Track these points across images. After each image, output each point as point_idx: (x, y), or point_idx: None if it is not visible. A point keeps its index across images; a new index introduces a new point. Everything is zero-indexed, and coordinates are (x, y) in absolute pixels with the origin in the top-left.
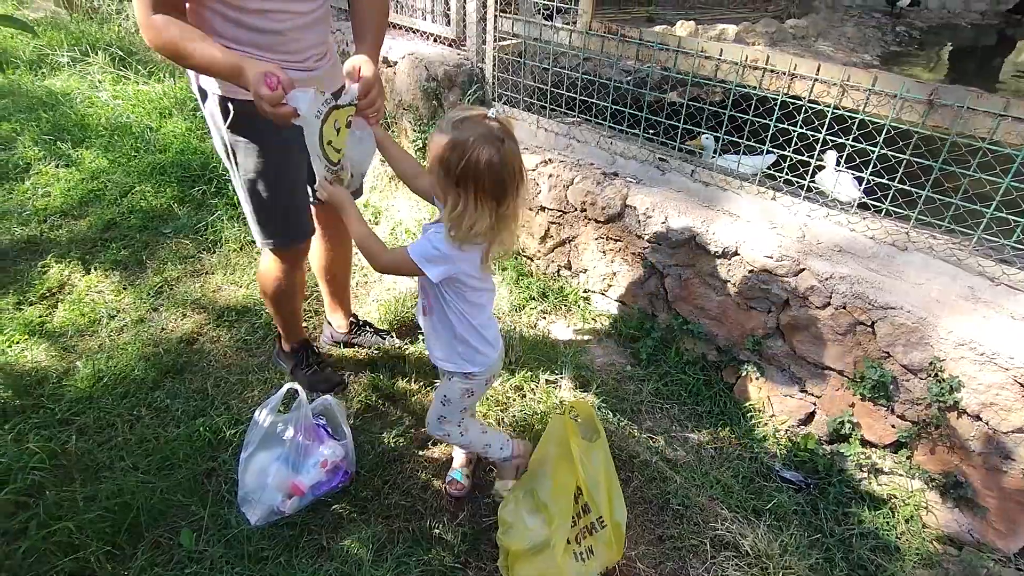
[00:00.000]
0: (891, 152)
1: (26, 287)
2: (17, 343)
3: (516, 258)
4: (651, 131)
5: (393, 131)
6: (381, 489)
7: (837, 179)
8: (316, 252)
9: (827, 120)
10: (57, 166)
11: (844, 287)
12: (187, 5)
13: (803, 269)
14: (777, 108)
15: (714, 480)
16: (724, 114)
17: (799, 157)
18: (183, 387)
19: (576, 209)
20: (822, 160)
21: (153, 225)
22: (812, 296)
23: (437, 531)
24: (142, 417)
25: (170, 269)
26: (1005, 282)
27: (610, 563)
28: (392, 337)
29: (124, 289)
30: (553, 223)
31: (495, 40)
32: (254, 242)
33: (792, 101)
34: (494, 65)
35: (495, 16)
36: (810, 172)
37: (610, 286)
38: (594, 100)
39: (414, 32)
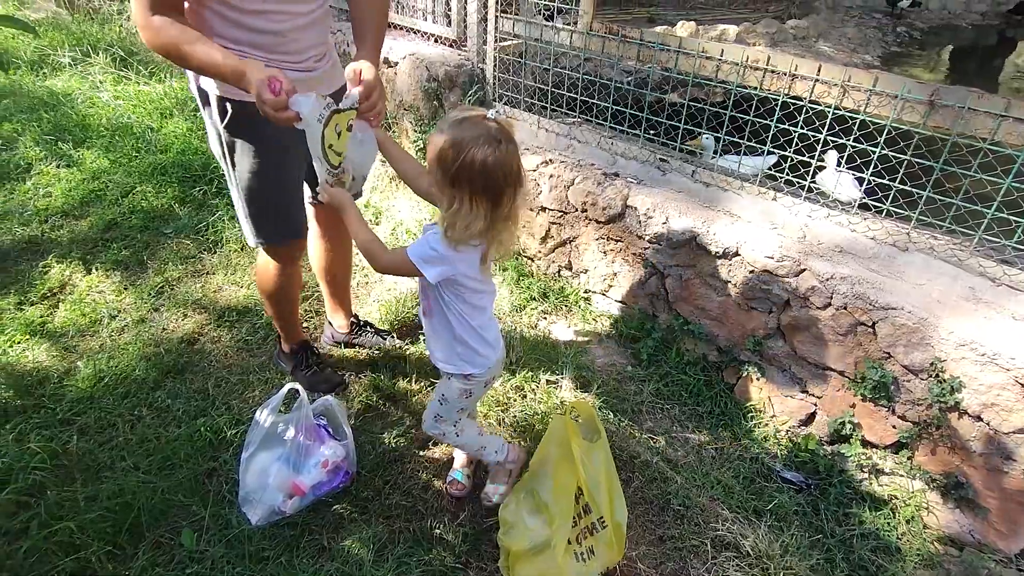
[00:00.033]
0: (892, 153)
1: (27, 287)
2: (18, 343)
3: (517, 258)
4: (652, 132)
5: (394, 131)
6: (382, 489)
7: (838, 179)
8: (316, 253)
9: (828, 121)
10: (58, 166)
11: (845, 287)
12: (185, 5)
13: (804, 269)
14: (778, 109)
15: (715, 480)
16: (725, 115)
17: (800, 158)
18: (184, 387)
19: (577, 209)
20: (823, 160)
21: (154, 225)
22: (813, 296)
23: (438, 531)
24: (143, 417)
25: (171, 269)
26: (1006, 283)
27: (611, 563)
28: (393, 337)
29: (125, 289)
30: (554, 223)
31: (496, 41)
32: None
33: (793, 102)
34: (495, 66)
35: (496, 17)
36: (811, 172)
37: (611, 286)
38: (595, 101)
39: (415, 33)
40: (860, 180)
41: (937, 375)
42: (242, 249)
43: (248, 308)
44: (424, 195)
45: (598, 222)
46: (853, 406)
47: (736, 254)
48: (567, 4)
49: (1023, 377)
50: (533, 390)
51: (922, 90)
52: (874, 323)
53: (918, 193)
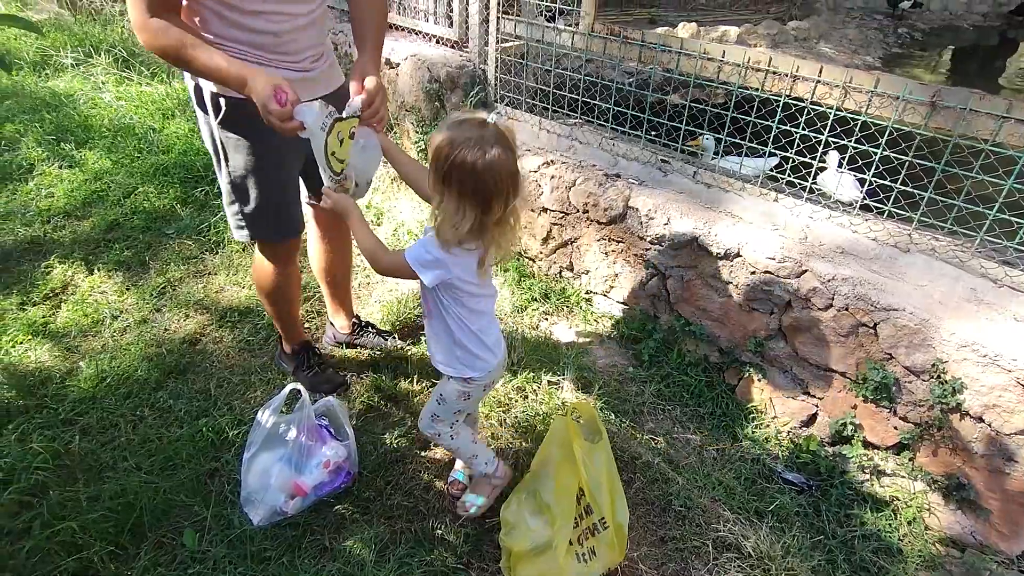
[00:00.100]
0: (893, 154)
1: (30, 287)
2: (21, 343)
3: (518, 259)
4: (653, 133)
5: (396, 132)
6: (383, 490)
7: (839, 180)
8: (316, 254)
9: (829, 122)
10: (60, 167)
11: (846, 289)
12: (184, 4)
13: (805, 271)
14: (779, 110)
15: (716, 481)
16: (727, 116)
17: (801, 159)
18: (186, 387)
19: (578, 210)
20: (824, 161)
21: (156, 226)
22: (814, 298)
23: (439, 532)
24: (145, 417)
25: (173, 270)
26: (1008, 284)
27: (612, 564)
28: (394, 338)
29: (127, 290)
30: (555, 224)
31: (497, 42)
32: (249, 240)
33: (794, 103)
34: (496, 67)
35: (497, 18)
36: (812, 173)
37: (612, 287)
38: (596, 102)
39: (416, 34)
40: (861, 181)
41: (939, 376)
42: (243, 250)
43: (250, 309)
44: (426, 198)
45: (599, 223)
46: (854, 407)
47: (737, 255)
48: (568, 5)
49: None
50: (535, 391)
51: (923, 91)
52: (875, 324)
53: (920, 194)
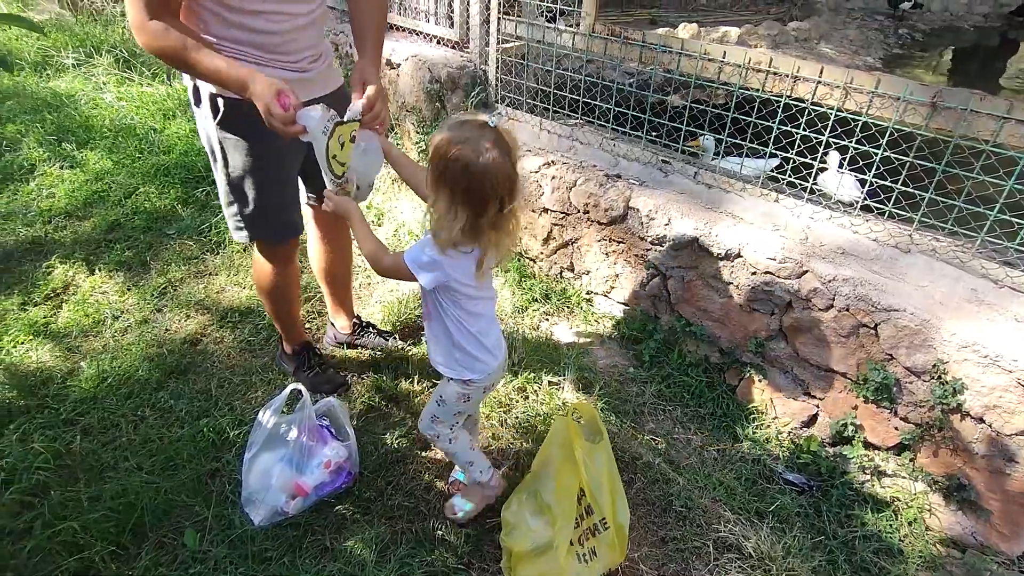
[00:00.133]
0: (894, 154)
1: (31, 288)
2: (22, 343)
3: (519, 260)
4: (654, 133)
5: (396, 133)
6: (384, 490)
7: (840, 181)
8: (316, 254)
9: (830, 122)
10: (62, 167)
11: (847, 289)
12: (182, 5)
13: (806, 271)
14: (780, 110)
15: (717, 482)
16: (727, 116)
17: (802, 159)
18: (187, 388)
19: (579, 211)
20: (824, 162)
21: (157, 226)
22: (815, 298)
23: (440, 532)
24: (146, 417)
25: (174, 270)
26: (1009, 284)
27: (613, 565)
28: (395, 338)
29: (128, 290)
30: (556, 225)
31: (498, 42)
32: (248, 242)
33: (795, 103)
34: (497, 67)
35: (498, 18)
36: (813, 174)
37: (613, 288)
38: (597, 102)
39: (417, 34)
40: (862, 182)
41: (939, 377)
42: (244, 250)
43: (251, 309)
44: (426, 199)
45: (600, 223)
46: (855, 408)
47: (738, 256)
48: (569, 6)
49: None
50: (535, 391)
51: (924, 92)
52: (876, 325)
53: (920, 195)
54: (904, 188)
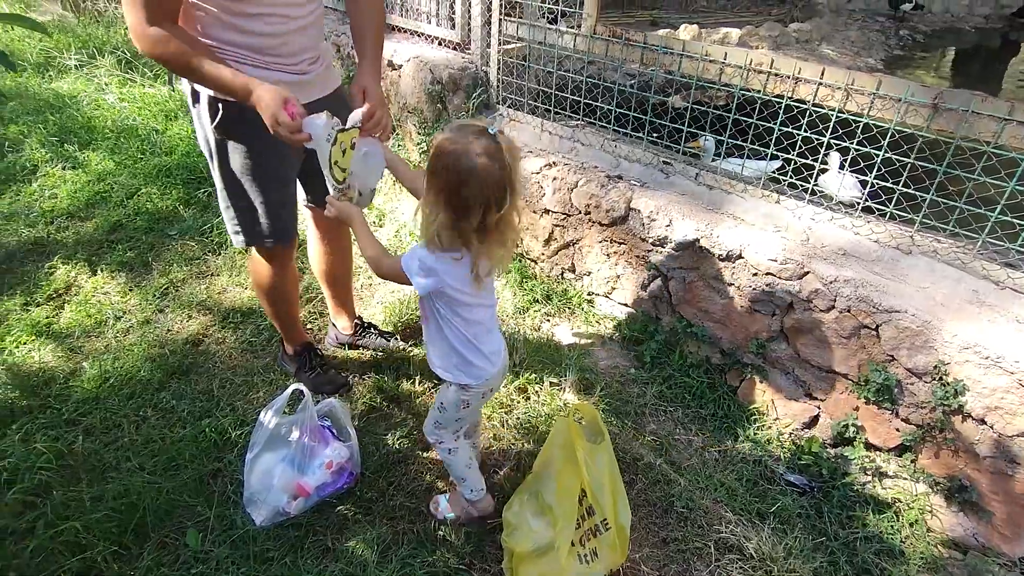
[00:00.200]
0: (895, 156)
1: (33, 288)
2: (24, 344)
3: (520, 261)
4: (655, 134)
5: (398, 134)
6: (386, 490)
7: (841, 182)
8: (316, 256)
9: (831, 124)
10: (64, 168)
11: (848, 290)
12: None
13: (807, 272)
14: (781, 112)
15: (718, 483)
16: (728, 118)
17: (803, 161)
18: (189, 388)
19: (580, 212)
20: (825, 163)
21: (159, 227)
22: (816, 299)
23: (441, 532)
24: (148, 418)
25: (176, 271)
26: (1010, 285)
27: (614, 565)
28: (396, 339)
29: (130, 290)
30: (557, 226)
31: (499, 44)
32: (245, 246)
33: (796, 105)
34: (498, 68)
35: (499, 20)
36: (815, 174)
37: (614, 289)
38: (598, 103)
39: (419, 35)
40: (863, 183)
41: (941, 378)
42: (245, 251)
43: (252, 309)
44: None
45: (601, 224)
46: (856, 409)
47: (739, 257)
48: (570, 7)
49: None
50: (536, 392)
51: (925, 93)
52: (877, 326)
53: (922, 196)
54: (905, 189)
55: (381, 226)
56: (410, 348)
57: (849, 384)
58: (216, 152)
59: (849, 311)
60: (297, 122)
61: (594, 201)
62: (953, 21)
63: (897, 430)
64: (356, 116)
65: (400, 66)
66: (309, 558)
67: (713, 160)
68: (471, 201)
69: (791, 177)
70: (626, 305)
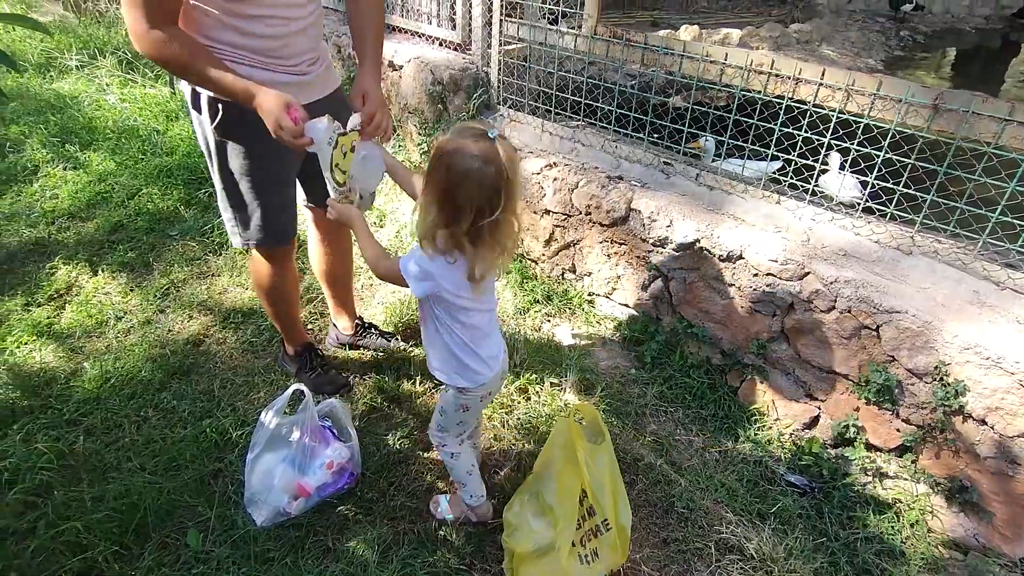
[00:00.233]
0: (896, 156)
1: (34, 288)
2: (25, 344)
3: (521, 261)
4: (656, 135)
5: (399, 135)
6: (386, 491)
7: (841, 182)
8: (316, 256)
9: (832, 124)
10: (65, 168)
11: (849, 291)
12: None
13: (808, 273)
14: (782, 112)
15: (719, 483)
16: (729, 118)
17: (804, 162)
18: (190, 388)
19: (581, 212)
20: (826, 164)
21: (160, 227)
22: (817, 300)
23: (442, 533)
24: (149, 418)
25: (177, 271)
26: (1010, 286)
27: (615, 566)
28: (397, 339)
29: (131, 291)
30: (558, 226)
31: (500, 44)
32: (244, 247)
33: (797, 105)
34: (499, 69)
35: (500, 21)
36: (815, 175)
37: (614, 289)
38: (599, 104)
39: (420, 36)
40: (864, 183)
41: (941, 379)
42: (246, 251)
43: (253, 310)
44: None
45: (602, 225)
46: (857, 409)
47: (740, 257)
48: (571, 8)
49: None
50: (537, 392)
51: (926, 94)
52: (878, 326)
53: (922, 197)
54: (906, 190)
55: (382, 226)
56: (411, 348)
57: (850, 385)
58: (216, 153)
59: (850, 311)
60: (300, 127)
61: (595, 202)
62: (953, 22)
63: (898, 431)
64: (356, 120)
65: (401, 67)
66: (310, 558)
67: (713, 161)
68: (463, 203)
69: (792, 178)
70: (627, 305)
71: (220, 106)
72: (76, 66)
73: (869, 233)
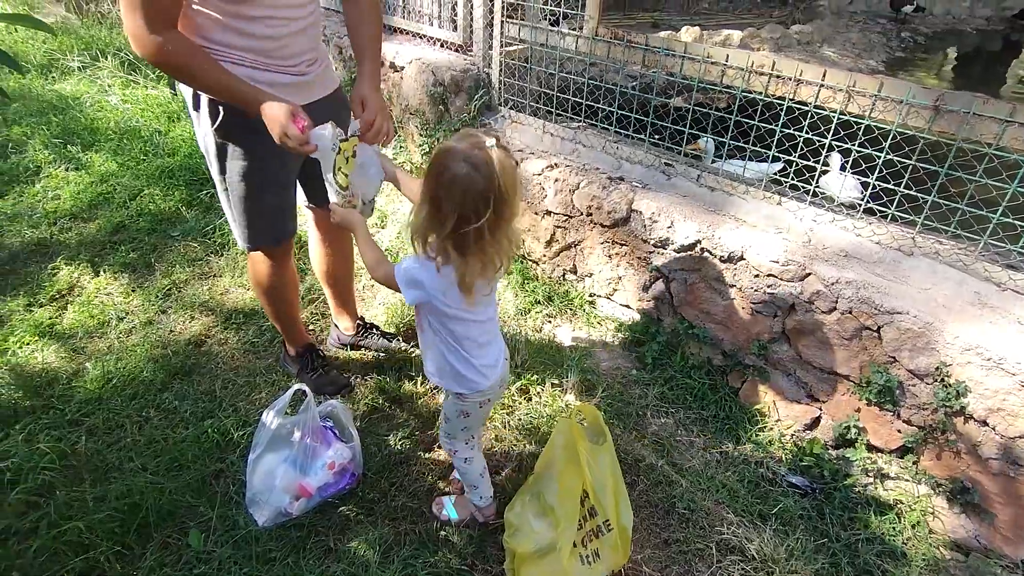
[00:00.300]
0: (897, 157)
1: (36, 289)
2: (27, 344)
3: (522, 262)
4: (657, 136)
5: (400, 136)
6: (388, 491)
7: (842, 183)
8: (317, 257)
9: (833, 125)
10: (67, 169)
11: (850, 292)
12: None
13: (809, 274)
14: (783, 113)
15: (720, 484)
16: (730, 119)
17: (805, 163)
18: (191, 389)
19: (582, 213)
20: (827, 164)
21: (161, 228)
22: (818, 301)
23: (444, 533)
24: (151, 418)
25: (178, 272)
26: (1011, 287)
27: (616, 566)
28: (399, 340)
29: (133, 291)
30: (559, 227)
31: (501, 45)
32: (246, 247)
33: (798, 106)
34: (500, 70)
35: (501, 22)
36: (816, 175)
37: (616, 290)
38: (600, 105)
39: (421, 37)
40: (865, 184)
41: (943, 379)
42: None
43: (255, 310)
44: None
45: (603, 226)
46: (858, 410)
47: (741, 258)
48: (572, 9)
49: None
50: (538, 393)
51: (927, 95)
52: (879, 327)
53: (923, 198)
54: (907, 191)
55: (383, 227)
56: (412, 349)
57: (851, 386)
58: (216, 155)
59: (851, 312)
60: (306, 135)
61: (596, 203)
62: (954, 23)
63: (899, 432)
64: (355, 127)
65: (402, 68)
66: (311, 558)
67: (714, 162)
68: (447, 208)
69: (792, 179)
70: (628, 306)
71: (220, 108)
72: (78, 67)
73: (870, 234)
